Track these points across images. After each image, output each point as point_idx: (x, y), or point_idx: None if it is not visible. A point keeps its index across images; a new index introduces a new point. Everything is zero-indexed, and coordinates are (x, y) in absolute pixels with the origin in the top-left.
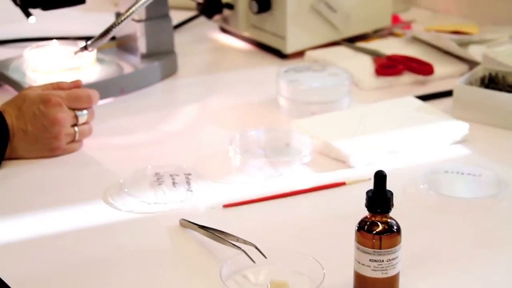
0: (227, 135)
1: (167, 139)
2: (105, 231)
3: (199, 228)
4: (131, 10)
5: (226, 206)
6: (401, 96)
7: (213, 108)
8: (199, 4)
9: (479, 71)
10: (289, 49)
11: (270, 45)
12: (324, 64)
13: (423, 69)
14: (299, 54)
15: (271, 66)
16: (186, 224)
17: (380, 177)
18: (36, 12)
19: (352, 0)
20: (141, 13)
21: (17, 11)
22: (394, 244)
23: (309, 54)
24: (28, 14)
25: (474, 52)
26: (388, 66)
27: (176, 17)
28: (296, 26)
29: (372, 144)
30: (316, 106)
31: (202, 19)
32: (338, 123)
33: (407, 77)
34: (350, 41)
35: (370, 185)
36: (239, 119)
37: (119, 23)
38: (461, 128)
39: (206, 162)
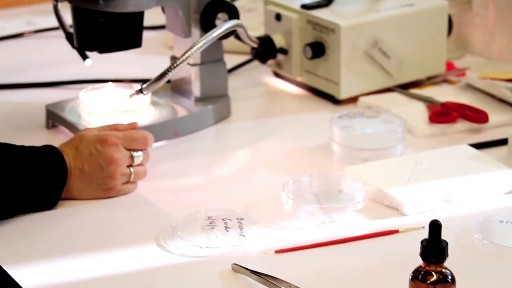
0: (280, 180)
1: (220, 183)
2: (157, 274)
3: (251, 274)
4: (186, 55)
5: (278, 251)
6: (455, 144)
7: (265, 153)
8: (253, 48)
9: None
10: (343, 94)
11: (323, 90)
12: (377, 111)
13: (478, 117)
14: (353, 99)
15: (324, 112)
16: (238, 269)
17: (435, 227)
18: (92, 54)
19: (406, 46)
20: (196, 57)
21: (74, 53)
22: None
23: (363, 100)
24: (84, 57)
25: None
26: (442, 114)
27: (230, 61)
28: (349, 72)
29: (426, 192)
30: (369, 153)
31: (256, 63)
32: (392, 170)
33: (461, 125)
34: (404, 87)
35: (424, 234)
36: (292, 164)
37: (174, 68)
38: None
39: (258, 206)
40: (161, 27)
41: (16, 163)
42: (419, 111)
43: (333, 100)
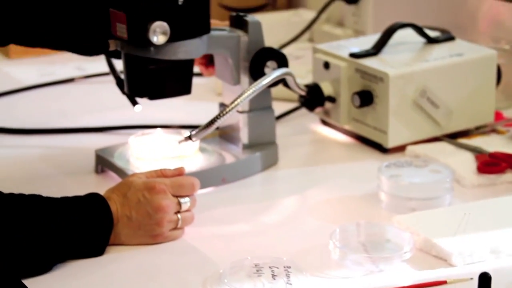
0: (327, 228)
1: (267, 230)
2: None
3: None
4: (235, 103)
5: None
6: (504, 195)
7: (313, 201)
8: (301, 96)
9: None
10: (390, 143)
11: (371, 138)
12: (425, 160)
13: None
14: (400, 148)
15: (372, 160)
16: None
17: (485, 279)
18: (142, 100)
19: (455, 96)
20: (244, 104)
21: (124, 99)
22: None
23: (410, 149)
24: (134, 103)
25: None
26: (491, 164)
27: (278, 108)
28: (397, 121)
29: (474, 243)
30: (417, 202)
31: (304, 111)
32: (440, 220)
33: (510, 175)
34: (452, 137)
35: (472, 285)
36: (339, 212)
37: (223, 115)
38: None
39: (305, 255)
40: None
41: (60, 215)
42: (468, 161)
43: (381, 148)
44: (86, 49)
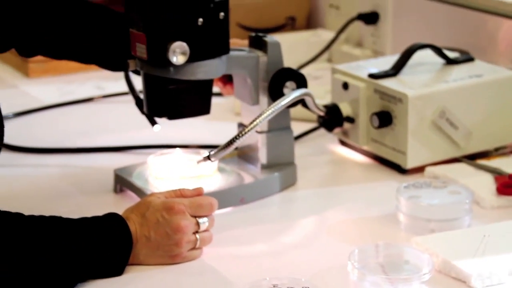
0: (345, 249)
1: (285, 251)
2: None
3: None
4: (254, 123)
5: None
6: None
7: (331, 221)
8: (320, 116)
9: None
10: (409, 164)
11: (389, 159)
12: (444, 181)
13: None
14: (419, 169)
15: (390, 181)
16: None
17: None
18: (160, 119)
19: (474, 117)
20: (263, 125)
21: (142, 118)
22: None
23: (429, 170)
24: (153, 123)
25: None
26: (510, 185)
27: (297, 128)
28: (416, 142)
29: (494, 265)
30: (436, 224)
31: (322, 131)
32: (459, 241)
33: None
34: (471, 158)
35: None
36: (358, 233)
37: (242, 135)
38: None
39: (324, 275)
40: None
41: (79, 236)
42: (487, 182)
43: (400, 169)
44: (110, 64)
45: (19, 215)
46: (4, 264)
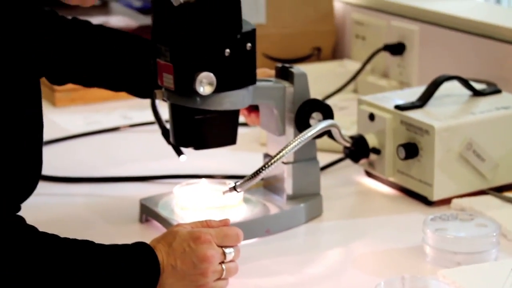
0: (371, 281)
1: (311, 282)
2: None
3: None
4: (281, 154)
5: None
6: None
7: (357, 253)
8: (346, 147)
9: None
10: (436, 196)
11: (416, 191)
12: (471, 214)
13: None
14: (446, 201)
15: (416, 213)
16: None
17: None
18: (186, 149)
19: (501, 149)
20: (289, 155)
21: (168, 148)
22: None
23: (456, 202)
24: (179, 153)
25: None
26: None
27: (322, 159)
28: (443, 173)
29: None
30: (462, 256)
31: (348, 162)
32: (486, 275)
33: None
34: (498, 190)
35: None
36: (384, 265)
37: (268, 166)
38: None
39: None
40: None
41: (109, 262)
42: None
43: (426, 201)
44: (138, 91)
45: (54, 237)
46: (35, 282)
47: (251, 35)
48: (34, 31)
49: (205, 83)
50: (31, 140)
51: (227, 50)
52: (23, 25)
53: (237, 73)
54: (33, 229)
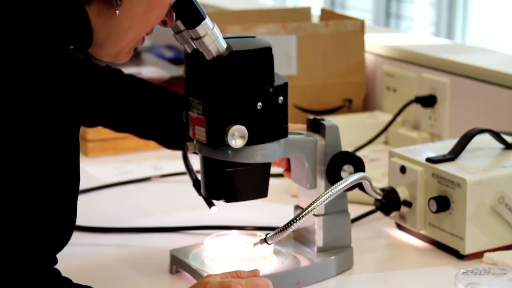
0: None
1: None
2: None
3: None
4: (312, 207)
5: None
6: None
7: None
8: (377, 200)
9: None
10: (468, 250)
11: (447, 244)
12: (504, 268)
13: None
14: (478, 255)
15: (448, 267)
16: None
17: None
18: (217, 201)
19: None
20: (320, 208)
21: (199, 198)
22: None
23: (488, 256)
24: (210, 205)
25: None
26: None
27: (353, 211)
28: (475, 227)
29: None
30: None
31: (379, 214)
32: None
33: None
34: None
35: None
36: None
37: (299, 219)
38: None
39: None
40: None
41: None
42: None
43: (458, 255)
44: (168, 142)
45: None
46: None
47: (283, 88)
48: (70, 80)
49: (237, 136)
50: (68, 191)
51: (259, 104)
52: (60, 75)
53: (268, 126)
54: (68, 281)
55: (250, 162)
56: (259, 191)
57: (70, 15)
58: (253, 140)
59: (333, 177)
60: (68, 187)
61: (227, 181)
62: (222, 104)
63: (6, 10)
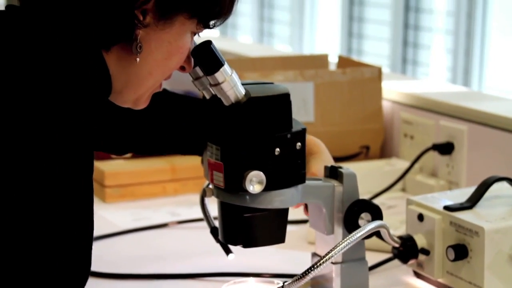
0: None
1: None
2: None
3: None
4: (330, 255)
5: None
6: None
7: None
8: (394, 248)
9: None
10: None
11: None
12: None
13: None
14: None
15: None
16: None
17: None
18: (234, 247)
19: None
20: (337, 255)
21: (216, 245)
22: None
23: None
24: (228, 251)
25: None
26: None
27: (370, 258)
28: (493, 276)
29: None
30: None
31: (397, 262)
32: None
33: None
34: None
35: None
36: None
37: (317, 267)
38: None
39: None
40: (301, 221)
41: None
42: None
43: None
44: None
45: None
46: None
47: (301, 134)
48: (88, 125)
49: (255, 182)
50: (82, 236)
51: (277, 149)
52: (78, 123)
53: (286, 172)
54: None
55: (268, 208)
56: (277, 236)
57: (88, 64)
58: (271, 185)
59: (351, 224)
60: (82, 233)
61: (245, 226)
62: (240, 150)
63: (24, 56)
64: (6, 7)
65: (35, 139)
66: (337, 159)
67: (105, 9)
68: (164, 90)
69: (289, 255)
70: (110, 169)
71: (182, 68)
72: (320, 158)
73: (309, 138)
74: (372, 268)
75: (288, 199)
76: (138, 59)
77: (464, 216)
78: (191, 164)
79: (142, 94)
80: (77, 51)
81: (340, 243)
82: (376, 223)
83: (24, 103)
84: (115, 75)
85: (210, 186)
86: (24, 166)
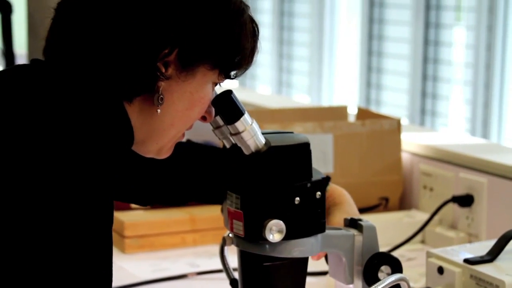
0: None
1: None
2: None
3: None
4: None
5: None
6: None
7: None
8: None
9: None
10: None
11: None
12: None
13: None
14: None
15: None
16: None
17: None
18: None
19: None
20: None
21: None
22: None
23: None
24: None
25: None
26: None
27: None
28: None
29: None
30: None
31: None
32: None
33: None
34: None
35: None
36: None
37: None
38: None
39: None
40: (321, 273)
41: None
42: None
43: None
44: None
45: None
46: None
47: (321, 183)
48: (110, 181)
49: (274, 231)
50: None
51: (297, 199)
52: (101, 176)
53: (306, 221)
54: None
55: (287, 257)
56: (297, 286)
57: (110, 116)
58: (290, 234)
59: (370, 277)
60: (102, 284)
61: (265, 275)
62: (260, 199)
63: (48, 108)
64: (31, 61)
65: (57, 190)
66: None
67: (128, 62)
68: (188, 140)
69: None
70: (130, 219)
71: (204, 118)
72: (344, 209)
73: (334, 188)
74: None
75: (307, 249)
76: (159, 110)
77: (485, 269)
78: (210, 215)
79: (165, 144)
80: (100, 103)
81: None
82: (396, 276)
83: (47, 154)
84: (137, 126)
85: (230, 235)
86: (45, 216)
